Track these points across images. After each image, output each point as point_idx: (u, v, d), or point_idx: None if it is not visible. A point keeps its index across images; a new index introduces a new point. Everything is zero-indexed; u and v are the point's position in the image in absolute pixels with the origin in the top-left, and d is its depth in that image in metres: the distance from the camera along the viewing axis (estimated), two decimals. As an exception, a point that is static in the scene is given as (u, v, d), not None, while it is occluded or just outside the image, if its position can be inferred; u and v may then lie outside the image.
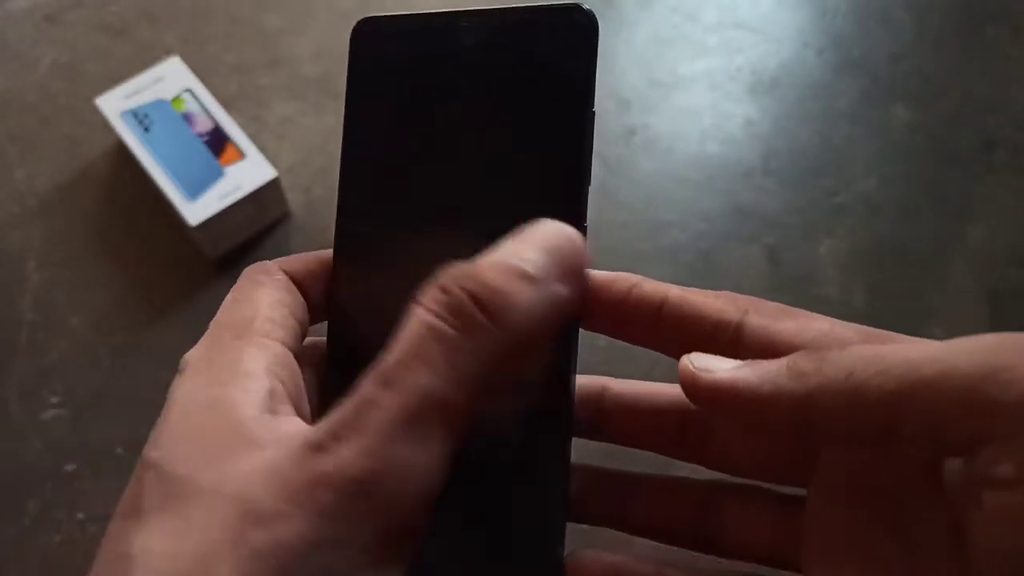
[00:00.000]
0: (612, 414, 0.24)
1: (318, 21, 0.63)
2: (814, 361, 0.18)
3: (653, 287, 0.21)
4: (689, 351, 0.20)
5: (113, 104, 0.53)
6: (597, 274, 0.22)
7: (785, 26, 0.64)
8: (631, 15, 0.64)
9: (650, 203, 0.57)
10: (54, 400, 0.49)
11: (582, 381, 0.23)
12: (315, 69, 0.61)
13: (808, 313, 0.20)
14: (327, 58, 0.61)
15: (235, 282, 0.23)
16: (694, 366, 0.19)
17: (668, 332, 0.21)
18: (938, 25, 0.64)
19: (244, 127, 0.53)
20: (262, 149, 0.52)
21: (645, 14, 0.64)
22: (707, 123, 0.60)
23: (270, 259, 0.23)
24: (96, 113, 0.53)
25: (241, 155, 0.52)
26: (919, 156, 0.59)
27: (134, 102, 0.53)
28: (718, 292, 0.21)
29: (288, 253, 0.24)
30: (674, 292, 0.21)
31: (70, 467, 0.47)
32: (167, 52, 0.56)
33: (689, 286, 0.21)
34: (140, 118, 0.53)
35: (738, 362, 0.19)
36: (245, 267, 0.23)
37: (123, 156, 0.54)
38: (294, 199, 0.55)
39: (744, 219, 0.56)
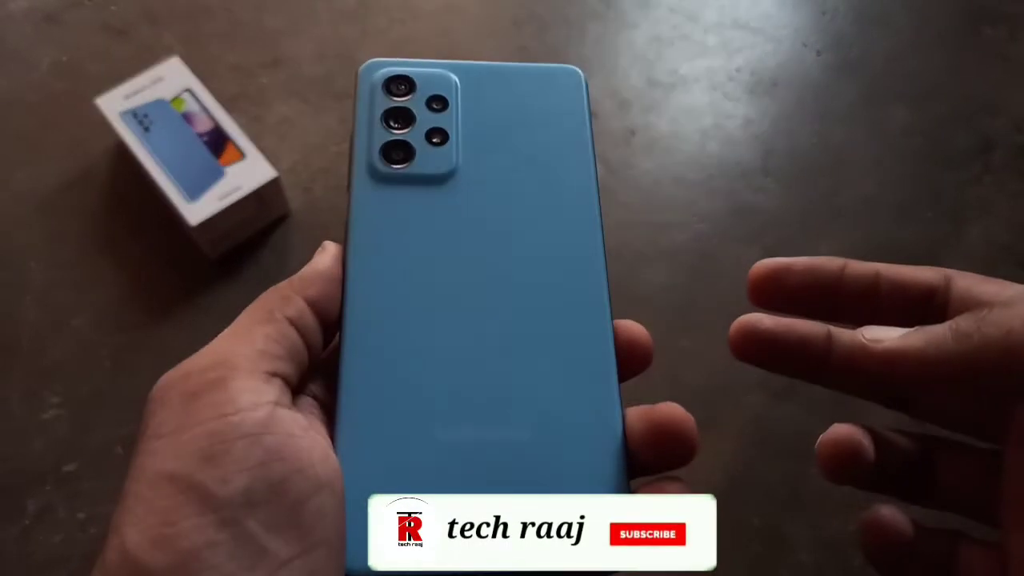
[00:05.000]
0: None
1: (318, 21, 0.63)
2: (975, 321, 0.19)
3: (862, 264, 0.23)
4: (904, 319, 0.21)
5: (113, 104, 0.53)
6: (802, 260, 0.23)
7: (784, 26, 0.64)
8: (631, 15, 0.64)
9: (650, 203, 0.57)
10: (55, 400, 0.49)
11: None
12: (315, 69, 0.61)
13: (1004, 281, 0.21)
14: (327, 58, 0.61)
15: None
16: (865, 338, 0.21)
17: (885, 302, 0.22)
18: (936, 26, 0.65)
19: (244, 127, 0.53)
20: (262, 149, 0.52)
21: (645, 14, 0.64)
22: (707, 123, 0.60)
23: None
24: (96, 113, 0.53)
25: (241, 155, 0.52)
26: (917, 156, 0.59)
27: (134, 102, 0.53)
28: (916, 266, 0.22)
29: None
30: (883, 266, 0.22)
31: (70, 467, 0.47)
32: (167, 52, 0.56)
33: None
34: (140, 118, 0.53)
35: (904, 330, 0.21)
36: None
37: (123, 156, 0.54)
38: (294, 199, 0.55)
39: (743, 219, 0.56)
